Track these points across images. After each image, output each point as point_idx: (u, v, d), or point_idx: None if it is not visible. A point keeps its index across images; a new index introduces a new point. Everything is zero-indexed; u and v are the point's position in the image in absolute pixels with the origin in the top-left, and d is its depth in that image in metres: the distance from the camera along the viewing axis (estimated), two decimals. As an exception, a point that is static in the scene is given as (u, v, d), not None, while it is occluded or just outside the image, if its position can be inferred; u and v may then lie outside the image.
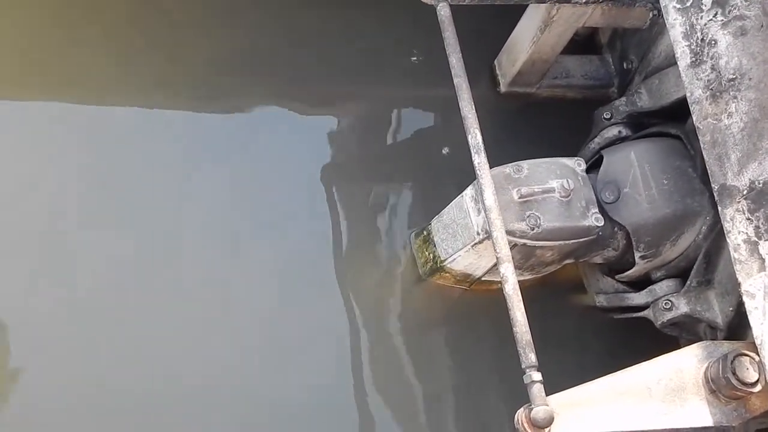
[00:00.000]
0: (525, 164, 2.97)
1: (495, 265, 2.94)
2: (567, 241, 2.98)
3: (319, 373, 3.27)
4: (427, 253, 3.32)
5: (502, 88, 3.74)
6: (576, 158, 3.11)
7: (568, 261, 3.22)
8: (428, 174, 3.58)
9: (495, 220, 2.59)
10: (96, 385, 3.04)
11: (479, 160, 2.66)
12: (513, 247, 2.89)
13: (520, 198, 2.89)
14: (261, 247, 3.35)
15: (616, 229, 3.09)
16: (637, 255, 3.13)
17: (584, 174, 3.06)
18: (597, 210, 3.00)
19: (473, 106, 2.72)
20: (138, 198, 3.27)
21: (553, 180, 2.95)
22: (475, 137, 2.67)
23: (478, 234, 2.98)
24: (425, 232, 3.33)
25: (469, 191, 3.03)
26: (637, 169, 3.08)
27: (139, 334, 3.13)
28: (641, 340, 3.33)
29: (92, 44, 3.42)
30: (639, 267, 3.19)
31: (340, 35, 3.73)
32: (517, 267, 3.04)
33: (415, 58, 3.76)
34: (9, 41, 3.35)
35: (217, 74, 3.53)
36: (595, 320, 3.54)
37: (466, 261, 3.16)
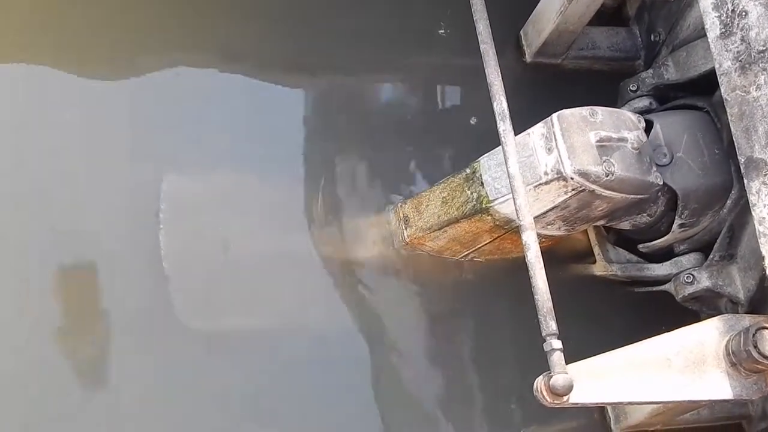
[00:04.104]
0: (598, 110, 2.92)
1: (545, 212, 2.93)
2: (627, 195, 2.94)
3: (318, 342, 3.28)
4: (469, 192, 3.16)
5: (528, 59, 3.72)
6: (637, 114, 3.07)
7: (601, 222, 3.20)
8: (454, 142, 3.58)
9: (519, 188, 2.57)
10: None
11: (504, 127, 2.64)
12: (579, 192, 2.86)
13: (597, 141, 2.84)
14: (271, 207, 3.36)
15: (659, 193, 3.06)
16: (677, 222, 3.11)
17: (644, 131, 3.02)
18: (656, 169, 2.98)
19: (499, 73, 2.70)
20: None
21: (625, 130, 2.90)
22: (500, 104, 2.65)
23: (546, 174, 2.86)
24: (468, 170, 3.18)
25: (538, 129, 2.92)
26: (690, 136, 3.05)
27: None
28: (658, 312, 3.35)
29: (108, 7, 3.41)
30: (671, 236, 3.17)
31: (367, 4, 3.72)
32: (562, 219, 3.03)
33: (442, 31, 3.74)
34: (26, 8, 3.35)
35: (238, 38, 3.51)
36: (607, 290, 3.54)
37: None
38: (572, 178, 2.82)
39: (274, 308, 3.28)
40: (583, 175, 2.80)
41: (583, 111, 2.89)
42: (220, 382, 3.12)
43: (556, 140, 2.84)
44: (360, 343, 3.34)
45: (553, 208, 2.95)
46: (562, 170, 2.81)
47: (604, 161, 2.83)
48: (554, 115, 2.87)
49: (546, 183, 2.88)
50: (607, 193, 2.89)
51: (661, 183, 2.97)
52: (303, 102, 3.54)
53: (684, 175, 3.02)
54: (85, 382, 3.03)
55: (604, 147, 2.85)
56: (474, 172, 3.15)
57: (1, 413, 2.89)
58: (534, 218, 2.93)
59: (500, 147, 2.94)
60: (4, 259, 3.02)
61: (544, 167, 2.87)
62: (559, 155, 2.81)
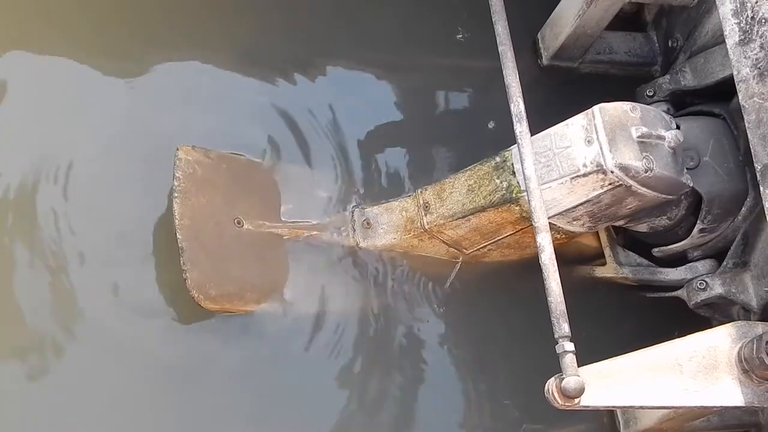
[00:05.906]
0: (638, 105, 2.90)
1: (575, 206, 2.91)
2: (660, 195, 2.91)
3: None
4: (498, 180, 3.08)
5: (544, 62, 3.72)
6: (669, 115, 3.05)
7: (622, 222, 3.18)
8: (471, 146, 3.58)
9: (534, 190, 2.58)
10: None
11: (521, 129, 2.65)
12: (616, 187, 2.83)
13: (638, 137, 2.81)
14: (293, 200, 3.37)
15: (683, 196, 3.06)
16: (698, 227, 3.10)
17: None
18: (686, 170, 2.97)
19: (517, 75, 2.71)
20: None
21: (661, 129, 2.88)
22: (517, 106, 2.66)
23: (584, 166, 2.81)
24: (498, 158, 3.11)
25: (578, 120, 2.87)
26: (717, 141, 3.05)
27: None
28: (668, 317, 3.35)
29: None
30: (689, 241, 3.16)
31: (385, 8, 3.74)
32: (590, 215, 3.00)
33: (460, 36, 3.75)
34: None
35: (258, 39, 3.53)
36: (617, 293, 3.53)
37: (551, 195, 2.95)
38: (612, 172, 2.78)
39: (277, 294, 3.26)
40: (624, 169, 2.78)
41: (625, 105, 2.87)
42: (222, 363, 3.13)
43: (597, 132, 2.80)
44: (363, 337, 3.33)
45: (584, 203, 2.91)
46: (603, 163, 2.77)
47: (644, 157, 2.81)
48: (596, 108, 2.84)
49: (584, 175, 2.84)
50: (642, 190, 2.86)
51: (691, 185, 2.96)
52: (315, 100, 3.54)
53: (710, 179, 3.02)
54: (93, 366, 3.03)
55: (644, 143, 2.82)
56: (504, 161, 3.09)
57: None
58: (562, 212, 2.97)
59: (539, 135, 2.96)
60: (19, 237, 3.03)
61: (583, 159, 2.83)
62: (600, 148, 2.77)
